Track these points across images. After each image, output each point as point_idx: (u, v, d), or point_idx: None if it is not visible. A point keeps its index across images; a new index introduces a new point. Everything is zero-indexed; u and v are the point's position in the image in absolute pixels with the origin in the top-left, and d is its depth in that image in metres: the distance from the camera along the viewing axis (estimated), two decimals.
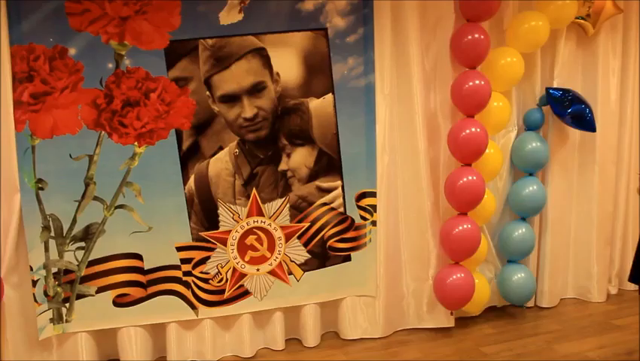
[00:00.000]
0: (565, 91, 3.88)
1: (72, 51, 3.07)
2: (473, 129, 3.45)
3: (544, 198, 3.94)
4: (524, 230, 3.90)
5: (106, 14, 3.05)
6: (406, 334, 3.81)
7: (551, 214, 4.12)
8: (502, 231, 3.98)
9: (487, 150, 3.53)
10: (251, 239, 3.49)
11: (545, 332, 3.80)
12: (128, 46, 3.13)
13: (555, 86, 3.94)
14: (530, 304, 4.15)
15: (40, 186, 3.14)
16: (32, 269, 3.17)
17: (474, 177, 3.47)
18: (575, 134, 4.09)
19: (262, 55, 3.33)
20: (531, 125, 3.93)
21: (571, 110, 3.83)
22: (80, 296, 3.28)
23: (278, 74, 3.36)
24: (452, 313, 3.78)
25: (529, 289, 3.93)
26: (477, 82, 3.44)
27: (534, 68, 3.94)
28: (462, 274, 3.56)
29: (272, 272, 3.55)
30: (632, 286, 4.46)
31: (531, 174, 3.94)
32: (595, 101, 4.03)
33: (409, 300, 3.84)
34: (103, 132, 3.17)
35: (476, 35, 3.45)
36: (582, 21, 3.91)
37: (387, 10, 3.49)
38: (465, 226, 3.52)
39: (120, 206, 3.26)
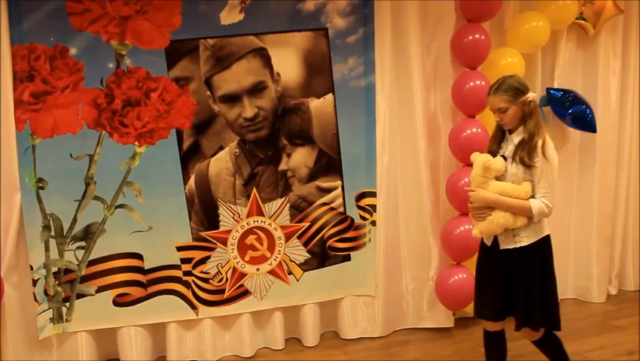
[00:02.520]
0: (566, 91, 3.88)
1: (73, 51, 3.07)
2: (474, 130, 3.45)
3: None
4: None
5: (107, 14, 3.06)
6: (405, 334, 3.81)
7: (551, 215, 4.10)
8: None
9: None
10: (251, 239, 3.49)
11: None
12: (129, 45, 3.13)
13: (555, 86, 3.94)
14: None
15: (40, 185, 3.14)
16: (32, 268, 3.17)
17: None
18: (575, 134, 4.09)
19: (262, 55, 3.33)
20: None
21: (571, 110, 3.84)
22: (80, 296, 3.28)
23: (278, 74, 3.37)
24: (454, 314, 3.78)
25: None
26: (478, 82, 3.44)
27: (535, 68, 3.94)
28: (464, 275, 3.56)
29: (272, 272, 3.55)
30: (633, 287, 4.47)
31: None
32: (596, 101, 4.03)
33: (409, 300, 3.84)
34: (104, 132, 3.17)
35: (477, 36, 3.45)
36: (582, 22, 3.92)
37: (387, 11, 3.49)
38: (467, 227, 3.51)
39: (121, 206, 3.27)
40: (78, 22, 3.04)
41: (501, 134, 2.65)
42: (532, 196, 2.51)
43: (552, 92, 3.87)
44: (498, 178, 2.56)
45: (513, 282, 2.59)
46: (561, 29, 3.90)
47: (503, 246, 2.59)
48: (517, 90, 2.52)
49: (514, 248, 2.57)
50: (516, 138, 2.54)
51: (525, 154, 2.47)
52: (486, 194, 2.54)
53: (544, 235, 2.60)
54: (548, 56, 3.98)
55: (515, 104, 2.51)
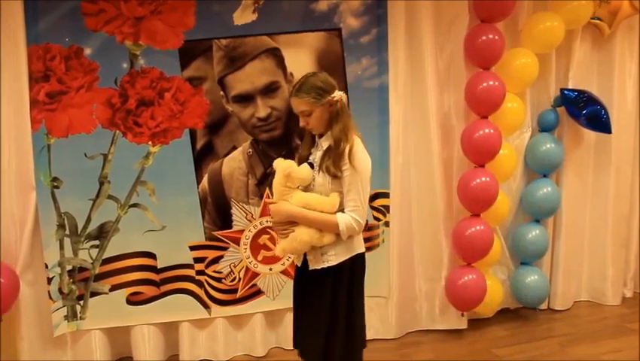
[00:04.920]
0: (580, 92, 3.85)
1: (88, 51, 3.10)
2: (486, 130, 3.43)
3: (558, 200, 3.92)
4: (538, 232, 3.88)
5: (121, 14, 3.08)
6: (418, 335, 3.79)
7: (565, 216, 4.09)
8: (515, 232, 3.96)
9: (501, 151, 3.51)
10: (264, 238, 3.49)
11: (558, 334, 3.77)
12: (142, 46, 3.15)
13: (570, 87, 3.91)
14: (543, 306, 4.12)
15: (55, 184, 3.17)
16: (47, 267, 3.20)
17: (488, 178, 3.46)
18: (590, 135, 4.05)
19: (276, 55, 3.33)
20: (545, 127, 3.90)
21: (586, 111, 3.80)
22: (94, 294, 3.31)
23: (291, 74, 3.37)
24: (462, 315, 3.75)
25: (543, 291, 3.91)
26: (491, 83, 3.42)
27: (549, 69, 3.91)
28: (474, 276, 3.54)
29: (284, 272, 3.55)
30: None
31: (545, 176, 3.92)
32: (611, 102, 3.99)
33: (422, 301, 3.82)
34: (118, 131, 3.20)
35: (491, 36, 3.43)
36: (598, 22, 3.88)
37: (401, 11, 3.48)
38: (478, 228, 3.50)
39: (134, 205, 3.29)
40: (93, 23, 3.07)
41: (312, 138, 2.36)
42: (342, 210, 2.21)
43: (566, 92, 3.84)
44: (306, 188, 2.27)
45: (318, 306, 2.28)
46: (575, 29, 3.87)
47: (312, 266, 2.28)
48: (321, 90, 2.19)
49: (322, 268, 2.26)
50: (324, 143, 2.26)
51: (331, 163, 2.17)
52: (287, 207, 2.22)
53: (356, 253, 2.30)
54: (562, 57, 3.95)
55: (319, 106, 2.19)
